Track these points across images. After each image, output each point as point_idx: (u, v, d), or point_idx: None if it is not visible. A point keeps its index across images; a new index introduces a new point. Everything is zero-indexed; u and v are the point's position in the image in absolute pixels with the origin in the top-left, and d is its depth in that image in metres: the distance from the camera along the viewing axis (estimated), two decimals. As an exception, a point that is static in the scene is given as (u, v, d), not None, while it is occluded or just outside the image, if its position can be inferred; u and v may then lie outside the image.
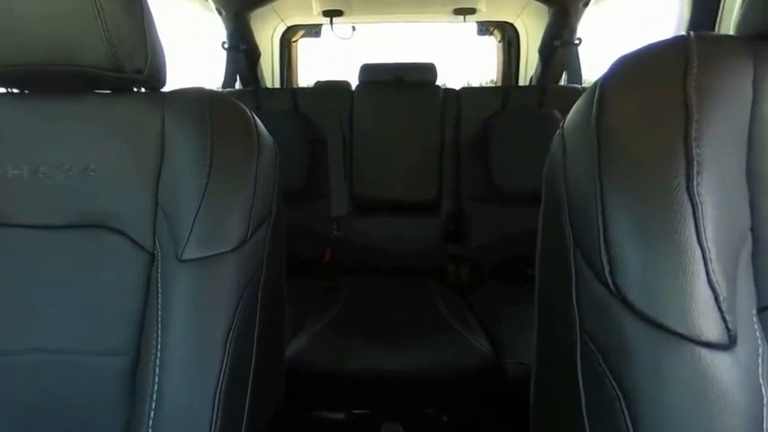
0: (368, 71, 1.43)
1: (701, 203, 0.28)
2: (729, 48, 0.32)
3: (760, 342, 0.29)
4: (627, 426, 0.29)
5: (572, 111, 0.37)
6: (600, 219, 0.31)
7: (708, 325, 0.28)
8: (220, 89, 1.53)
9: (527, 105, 1.38)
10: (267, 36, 1.88)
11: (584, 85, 1.53)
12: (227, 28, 1.46)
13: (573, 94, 1.38)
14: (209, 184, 0.46)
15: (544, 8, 1.43)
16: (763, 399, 0.28)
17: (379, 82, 1.42)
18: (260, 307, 0.51)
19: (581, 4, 1.32)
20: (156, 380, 0.44)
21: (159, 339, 0.44)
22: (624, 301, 0.30)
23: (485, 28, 2.02)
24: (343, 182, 1.42)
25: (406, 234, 1.42)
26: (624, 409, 0.30)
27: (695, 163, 0.29)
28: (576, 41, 1.42)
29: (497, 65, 2.09)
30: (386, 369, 0.92)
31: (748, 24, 0.35)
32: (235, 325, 0.46)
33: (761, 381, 0.28)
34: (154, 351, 0.44)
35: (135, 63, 0.47)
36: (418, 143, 1.39)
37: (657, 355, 0.28)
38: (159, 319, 0.45)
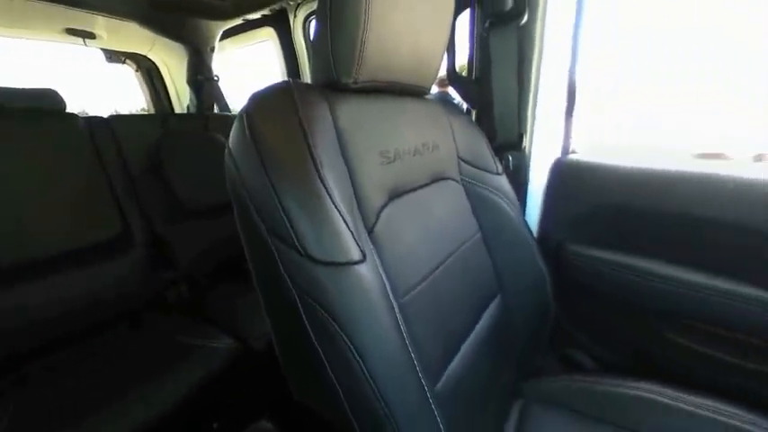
0: None
1: (328, 186, 0.40)
2: (312, 92, 0.46)
3: (374, 253, 0.45)
4: (337, 331, 0.40)
5: (232, 135, 0.44)
6: (279, 206, 0.39)
7: (352, 253, 0.40)
8: None
9: (194, 130, 1.44)
10: None
11: (233, 113, 1.74)
12: None
13: (229, 120, 1.51)
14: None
15: (180, 45, 1.50)
16: (385, 285, 0.43)
17: None
18: None
19: (208, 49, 1.49)
20: None
21: None
22: (309, 257, 0.39)
23: (114, 56, 1.84)
24: None
25: (91, 288, 1.07)
26: (333, 322, 0.40)
27: (319, 161, 0.41)
28: (216, 78, 1.57)
29: (144, 94, 1.98)
30: None
31: (316, 78, 0.51)
32: None
33: (381, 273, 0.43)
34: None
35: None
36: (73, 185, 1.08)
37: (334, 280, 0.39)
38: None
